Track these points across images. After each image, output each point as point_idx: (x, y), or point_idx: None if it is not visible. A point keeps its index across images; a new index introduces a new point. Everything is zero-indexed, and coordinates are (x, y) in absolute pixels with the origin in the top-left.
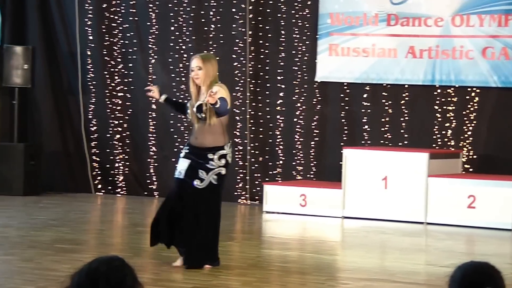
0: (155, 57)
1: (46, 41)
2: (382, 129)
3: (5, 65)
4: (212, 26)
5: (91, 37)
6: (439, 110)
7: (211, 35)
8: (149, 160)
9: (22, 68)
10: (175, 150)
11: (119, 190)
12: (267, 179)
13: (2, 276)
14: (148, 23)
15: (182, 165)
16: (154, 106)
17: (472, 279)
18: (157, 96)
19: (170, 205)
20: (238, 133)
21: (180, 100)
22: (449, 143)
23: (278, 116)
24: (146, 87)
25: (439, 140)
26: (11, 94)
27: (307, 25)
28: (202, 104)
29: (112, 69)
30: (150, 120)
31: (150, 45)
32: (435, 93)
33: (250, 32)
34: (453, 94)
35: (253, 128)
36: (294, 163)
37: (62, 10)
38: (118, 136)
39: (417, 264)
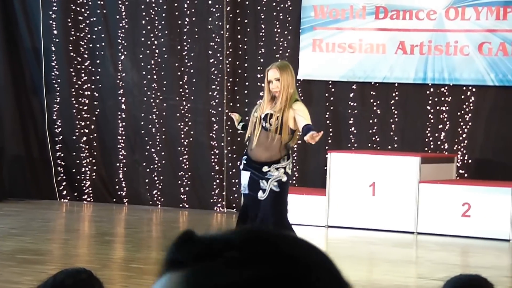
0: (125, 53)
1: (6, 35)
2: (370, 131)
3: None
4: (187, 19)
5: (55, 32)
6: (432, 110)
7: (185, 30)
8: (118, 164)
9: None
10: (146, 153)
11: (85, 196)
12: None
13: None
14: (117, 16)
15: (244, 178)
16: (123, 106)
17: None
18: (236, 123)
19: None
20: (214, 136)
21: None
22: (442, 147)
23: None
24: (115, 85)
25: (431, 143)
26: None
27: (288, 19)
28: (272, 113)
29: (79, 66)
30: (119, 121)
31: (119, 40)
32: (428, 92)
33: (228, 26)
34: (446, 93)
35: (230, 130)
36: None
37: (24, 2)
38: (84, 138)
39: (408, 277)
